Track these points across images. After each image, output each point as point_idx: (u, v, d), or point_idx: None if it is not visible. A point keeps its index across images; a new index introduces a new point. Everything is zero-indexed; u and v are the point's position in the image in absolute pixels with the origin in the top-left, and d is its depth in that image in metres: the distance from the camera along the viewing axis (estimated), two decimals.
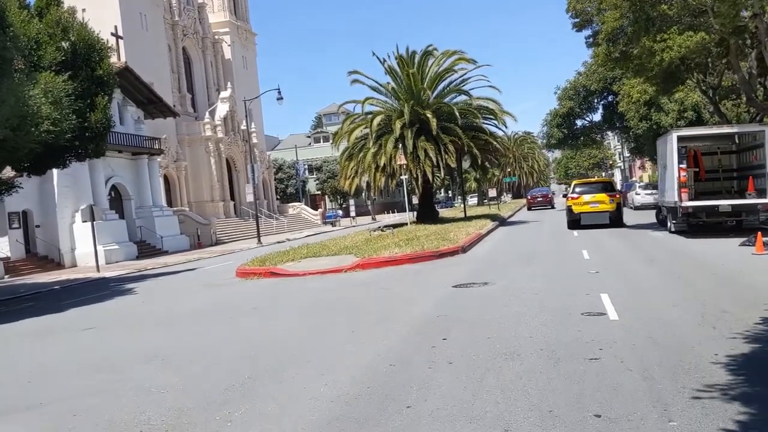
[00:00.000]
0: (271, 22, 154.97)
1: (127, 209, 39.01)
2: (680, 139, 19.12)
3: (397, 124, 27.77)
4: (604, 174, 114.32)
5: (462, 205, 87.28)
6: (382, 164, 28.31)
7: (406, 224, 29.01)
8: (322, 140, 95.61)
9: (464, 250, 18.62)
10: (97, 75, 20.71)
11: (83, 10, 44.65)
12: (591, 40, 21.98)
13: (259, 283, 16.34)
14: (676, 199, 18.74)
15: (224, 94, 55.83)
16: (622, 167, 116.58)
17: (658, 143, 22.35)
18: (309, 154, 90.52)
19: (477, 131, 29.86)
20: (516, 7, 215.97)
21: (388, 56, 30.34)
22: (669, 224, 20.44)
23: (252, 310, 12.03)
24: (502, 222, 33.19)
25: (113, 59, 38.82)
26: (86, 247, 33.42)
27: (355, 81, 30.40)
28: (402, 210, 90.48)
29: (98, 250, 33.21)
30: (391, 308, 10.67)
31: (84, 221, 28.57)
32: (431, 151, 27.58)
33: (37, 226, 32.77)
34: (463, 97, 30.53)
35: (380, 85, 30.91)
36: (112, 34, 38.45)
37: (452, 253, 17.74)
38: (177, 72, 53.26)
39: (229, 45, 60.97)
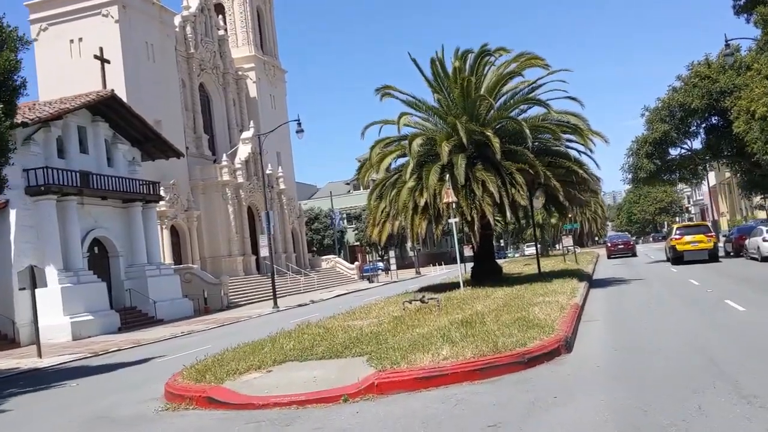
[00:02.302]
0: (312, 63, 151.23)
1: (114, 268, 31.90)
2: None
3: (444, 148, 19.96)
4: (678, 219, 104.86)
5: (519, 256, 78.23)
6: (422, 203, 20.41)
7: (459, 287, 20.87)
8: (362, 188, 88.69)
9: (568, 344, 10.42)
10: None
11: (83, 38, 39.09)
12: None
13: (184, 421, 8.50)
14: None
15: (246, 134, 49.24)
16: (692, 212, 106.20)
17: None
18: (348, 202, 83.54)
19: (555, 156, 21.75)
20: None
21: (435, 61, 22.60)
22: None
23: None
24: (590, 281, 24.69)
25: (97, 86, 32.53)
26: (52, 319, 26.27)
27: (386, 95, 22.83)
28: (452, 261, 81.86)
29: (63, 323, 26.04)
30: None
31: (21, 288, 21.36)
32: (492, 183, 19.63)
33: None
34: (534, 111, 22.55)
35: (417, 100, 23.28)
36: (96, 56, 32.11)
37: (548, 354, 9.60)
38: (192, 110, 46.98)
39: (254, 82, 54.82)
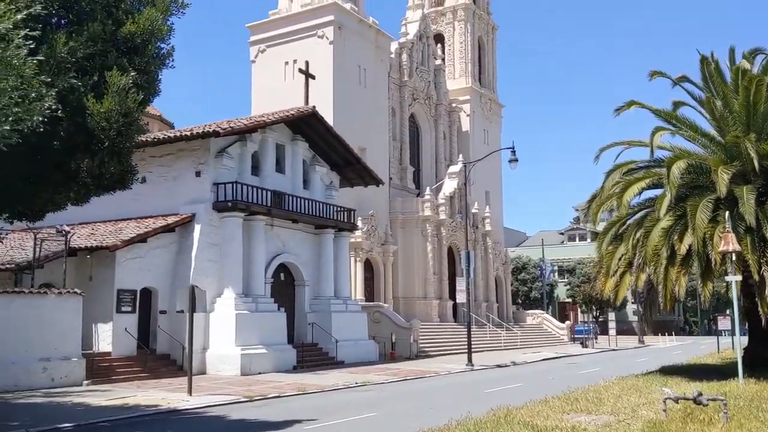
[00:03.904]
0: (531, 100, 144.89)
1: (298, 298, 29.20)
2: None
3: (722, 176, 13.92)
4: None
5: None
6: (683, 250, 14.43)
7: (733, 376, 14.33)
8: (577, 238, 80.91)
9: None
10: (123, 34, 10.74)
11: (297, 60, 38.09)
12: None
13: None
14: None
15: (453, 168, 45.41)
16: None
17: None
18: (560, 254, 76.30)
19: None
20: None
21: (708, 61, 16.57)
22: None
23: None
24: None
25: (299, 103, 30.55)
26: (223, 348, 23.87)
27: (634, 104, 17.18)
28: (680, 332, 70.15)
29: (233, 354, 23.42)
30: None
31: (179, 311, 18.72)
32: None
33: (162, 312, 24.00)
34: None
35: (676, 116, 17.31)
36: (300, 70, 30.18)
37: None
38: (400, 140, 44.29)
39: (468, 115, 51.17)
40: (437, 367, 27.11)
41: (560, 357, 35.95)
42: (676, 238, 14.82)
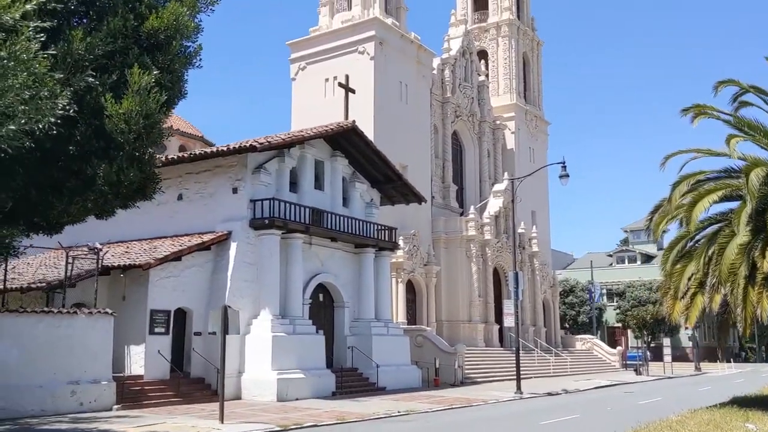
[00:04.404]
0: (578, 118, 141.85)
1: (337, 320, 28.06)
2: None
3: None
4: None
5: None
6: (766, 268, 12.81)
7: None
8: (626, 260, 78.05)
9: None
10: (145, 30, 9.86)
11: (338, 77, 37.31)
12: None
13: None
14: None
15: (498, 186, 43.96)
16: None
17: None
18: (609, 276, 73.58)
19: None
20: None
21: None
22: None
23: None
24: None
25: (339, 118, 29.67)
26: (259, 372, 22.81)
27: (702, 114, 15.69)
28: (735, 357, 66.27)
29: (270, 379, 22.35)
30: None
31: (211, 332, 17.66)
32: None
33: (197, 334, 23.10)
34: None
35: (749, 128, 15.72)
36: (341, 84, 29.33)
37: None
38: (442, 158, 43.10)
39: (512, 132, 49.73)
40: (484, 395, 25.53)
41: (614, 385, 33.91)
42: (757, 254, 13.21)
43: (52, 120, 8.78)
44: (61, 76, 8.82)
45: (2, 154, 9.23)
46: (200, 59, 10.71)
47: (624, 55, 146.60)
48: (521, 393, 25.96)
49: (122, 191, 9.82)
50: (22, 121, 8.58)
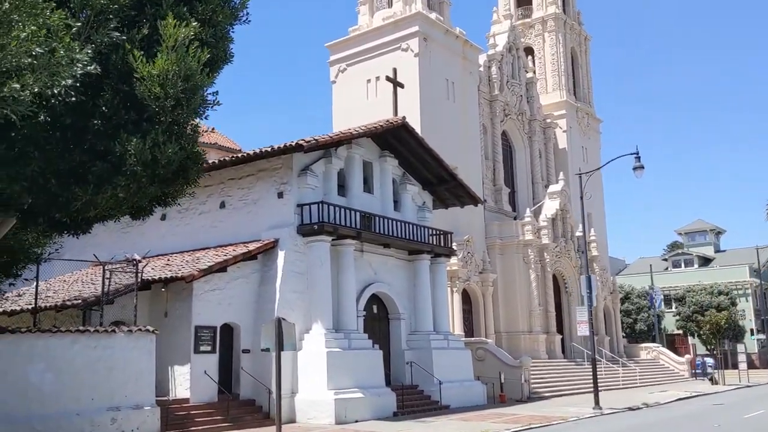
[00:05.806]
0: (630, 115, 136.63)
1: (393, 333, 25.90)
2: None
3: None
4: None
5: None
6: None
7: None
8: (683, 264, 74.13)
9: None
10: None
11: (380, 77, 35.43)
12: None
13: None
14: None
15: (554, 188, 41.43)
16: None
17: None
18: (664, 281, 69.78)
19: None
20: None
21: None
22: None
23: None
24: None
25: (388, 113, 27.69)
26: (314, 392, 20.73)
27: None
28: None
29: (326, 399, 20.25)
30: None
31: (264, 349, 15.58)
32: None
33: (245, 351, 21.17)
34: None
35: None
36: (388, 78, 27.39)
37: None
38: (492, 159, 40.81)
39: (564, 131, 47.20)
40: (561, 412, 23.01)
41: (693, 396, 31.01)
42: None
43: (70, 82, 6.88)
44: (79, 24, 6.92)
45: (13, 134, 7.35)
46: (247, 13, 8.81)
47: (675, 48, 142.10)
48: (601, 408, 23.39)
49: (159, 173, 7.87)
50: (30, 81, 6.65)
